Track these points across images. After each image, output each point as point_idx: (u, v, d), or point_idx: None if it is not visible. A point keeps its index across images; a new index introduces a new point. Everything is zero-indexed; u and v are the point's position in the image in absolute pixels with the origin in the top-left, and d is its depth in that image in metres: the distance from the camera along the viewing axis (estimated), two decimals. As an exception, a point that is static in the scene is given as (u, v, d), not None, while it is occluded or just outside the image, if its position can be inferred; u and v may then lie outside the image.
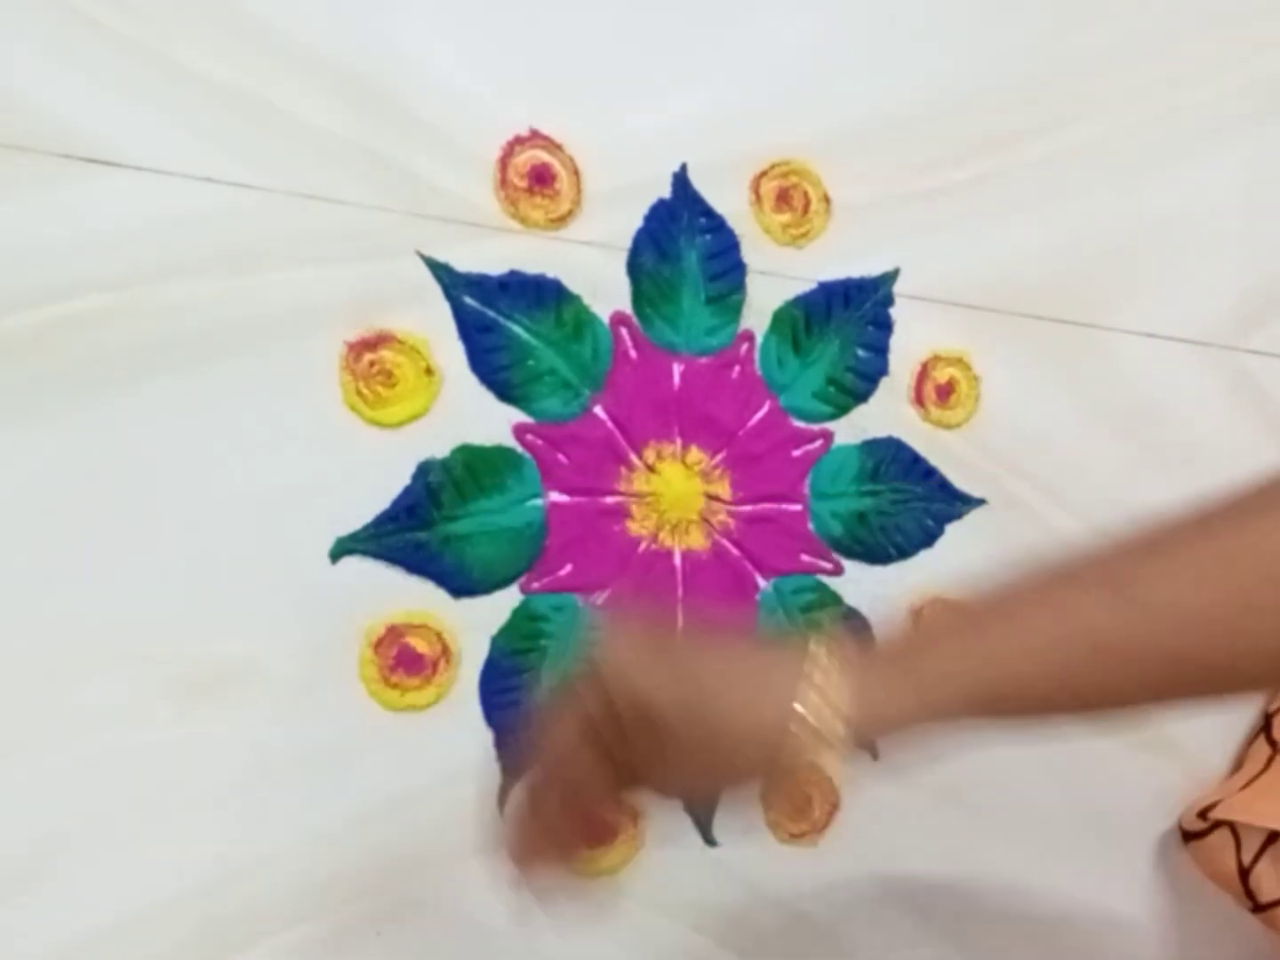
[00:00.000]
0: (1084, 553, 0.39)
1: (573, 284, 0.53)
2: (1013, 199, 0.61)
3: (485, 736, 0.51)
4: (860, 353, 0.58)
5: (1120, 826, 0.63)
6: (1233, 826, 0.61)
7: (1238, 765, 0.64)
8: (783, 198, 0.57)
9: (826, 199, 0.57)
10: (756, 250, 0.56)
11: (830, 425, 0.57)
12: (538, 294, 0.52)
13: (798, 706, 0.37)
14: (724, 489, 0.56)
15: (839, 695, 0.37)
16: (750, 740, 0.38)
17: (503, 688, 0.51)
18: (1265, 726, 0.64)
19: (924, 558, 0.59)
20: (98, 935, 0.45)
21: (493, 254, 0.52)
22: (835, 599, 0.57)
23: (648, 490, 0.54)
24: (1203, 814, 0.61)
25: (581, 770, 0.39)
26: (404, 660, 0.50)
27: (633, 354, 0.54)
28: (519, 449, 0.52)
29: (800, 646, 0.38)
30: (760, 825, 0.56)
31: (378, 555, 0.50)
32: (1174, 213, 0.64)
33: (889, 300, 0.59)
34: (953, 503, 0.60)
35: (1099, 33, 0.63)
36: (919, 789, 0.58)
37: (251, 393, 0.48)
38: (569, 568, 0.53)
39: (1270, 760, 0.62)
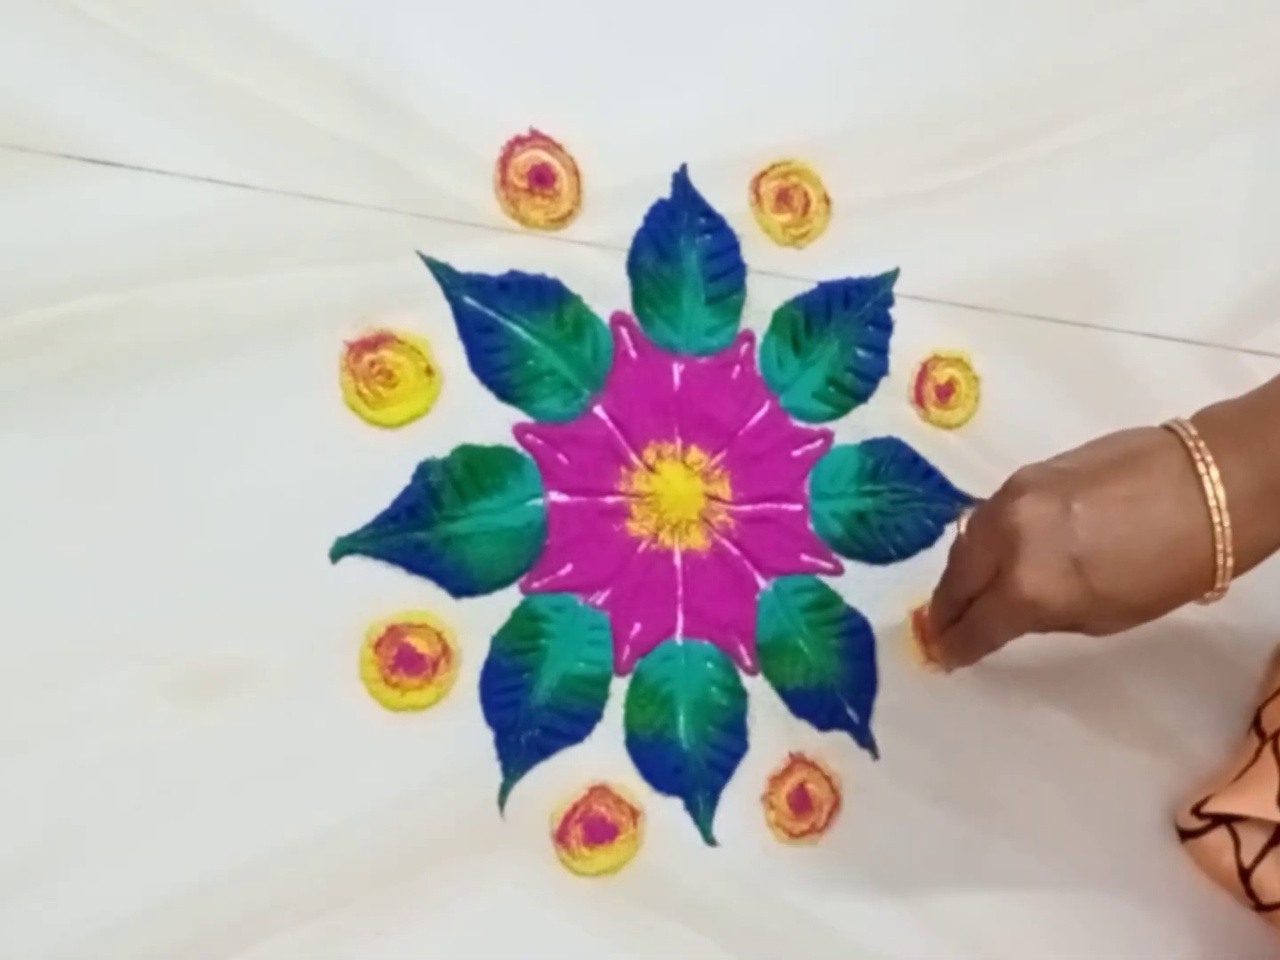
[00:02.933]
0: None
1: (573, 284, 0.53)
2: (1013, 199, 0.61)
3: (485, 736, 0.51)
4: (860, 353, 0.58)
5: (1120, 826, 0.63)
6: (1231, 826, 0.62)
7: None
8: (783, 198, 0.57)
9: (826, 199, 0.58)
10: (756, 250, 0.56)
11: (830, 425, 0.57)
12: (538, 294, 0.52)
13: (1220, 547, 0.42)
14: (724, 489, 0.56)
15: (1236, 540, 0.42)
16: (1175, 600, 0.44)
17: (503, 688, 0.51)
18: (1255, 719, 0.64)
19: (924, 558, 0.59)
20: (98, 935, 0.45)
21: (493, 254, 0.52)
22: (835, 599, 0.57)
23: (648, 490, 0.54)
24: (1196, 810, 0.62)
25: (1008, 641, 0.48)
26: (404, 660, 0.50)
27: (633, 354, 0.54)
28: (519, 449, 0.52)
29: (1187, 473, 0.42)
30: (760, 825, 0.56)
31: (378, 555, 0.50)
32: (1174, 212, 0.64)
33: (889, 300, 0.59)
34: (953, 503, 0.60)
35: (1099, 33, 0.63)
36: (919, 789, 0.58)
37: (251, 393, 0.48)
38: (569, 568, 0.53)
39: (1259, 751, 0.62)
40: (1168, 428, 0.45)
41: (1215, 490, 0.41)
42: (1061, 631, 0.48)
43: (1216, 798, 0.61)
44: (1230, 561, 0.42)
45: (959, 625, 0.50)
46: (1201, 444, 0.42)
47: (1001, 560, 0.44)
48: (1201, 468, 0.41)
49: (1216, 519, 0.41)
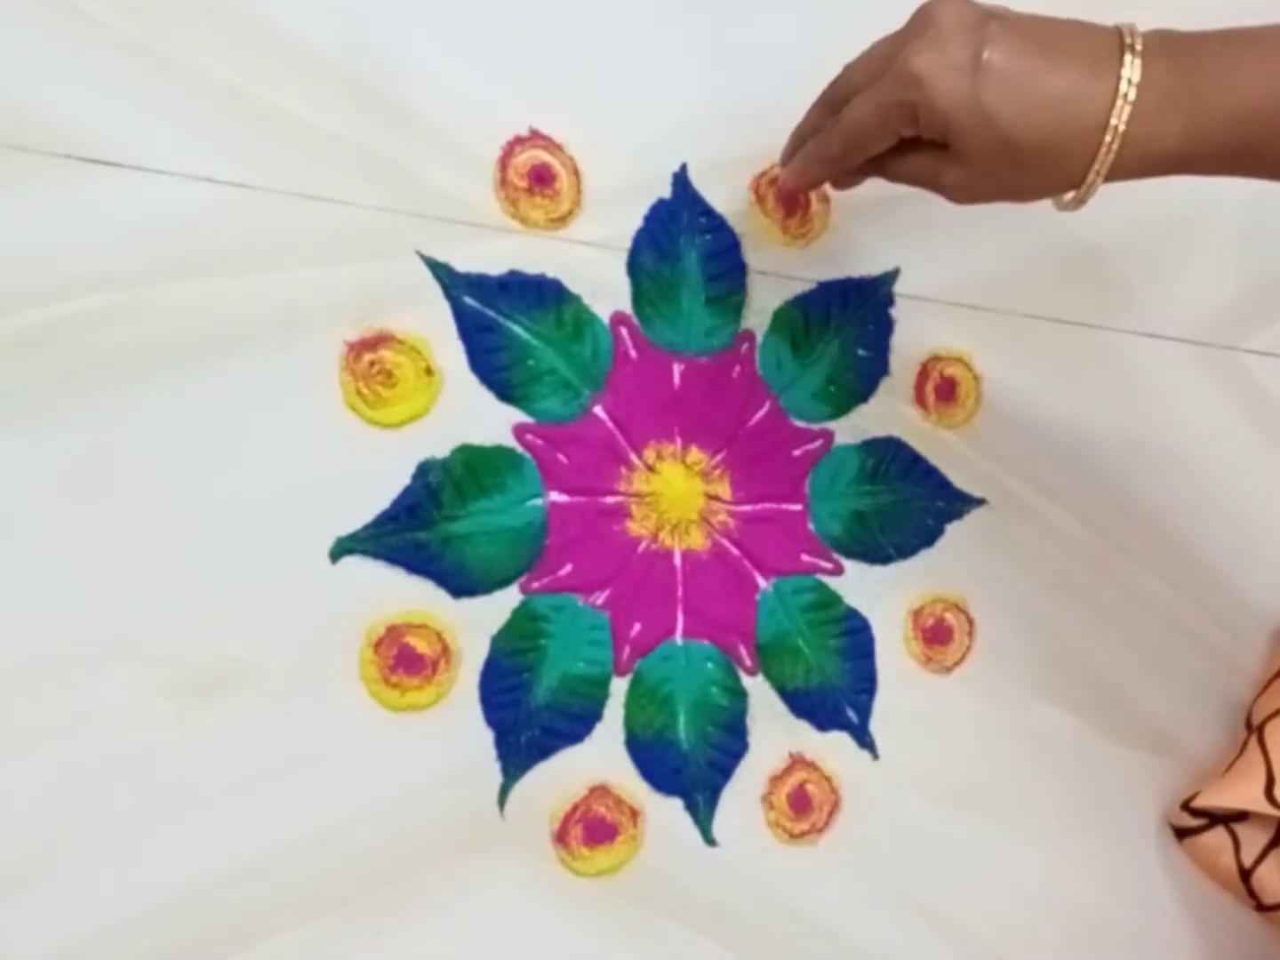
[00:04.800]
0: None
1: (573, 284, 0.53)
2: (1013, 199, 0.61)
3: (485, 736, 0.51)
4: (860, 353, 0.58)
5: (1120, 825, 0.63)
6: (1229, 826, 0.62)
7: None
8: (783, 198, 0.57)
9: (826, 199, 0.58)
10: (756, 250, 0.56)
11: (830, 425, 0.57)
12: (538, 294, 0.52)
13: (1115, 123, 0.40)
14: (724, 489, 0.56)
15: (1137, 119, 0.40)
16: (1052, 185, 0.43)
17: (503, 688, 0.51)
18: (1248, 714, 0.64)
19: (924, 558, 0.59)
20: (98, 935, 0.45)
21: (493, 254, 0.52)
22: (835, 599, 0.57)
23: (648, 490, 0.54)
24: (1186, 806, 0.62)
25: (871, 138, 0.44)
26: (404, 660, 0.50)
27: (633, 354, 0.54)
28: (519, 449, 0.52)
29: (1114, 53, 0.40)
30: (760, 825, 0.56)
31: (378, 555, 0.50)
32: (1174, 213, 0.64)
33: (889, 300, 0.59)
34: (953, 503, 0.60)
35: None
36: (919, 789, 0.58)
37: (251, 393, 0.48)
38: (569, 568, 0.53)
39: (1245, 744, 0.62)
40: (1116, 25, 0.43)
41: (1132, 68, 0.40)
42: (922, 165, 0.45)
43: (1205, 792, 0.61)
44: (1117, 144, 0.40)
45: (822, 131, 0.47)
46: (1137, 36, 0.41)
47: (903, 42, 0.42)
48: (1129, 54, 0.40)
49: (1122, 89, 0.40)
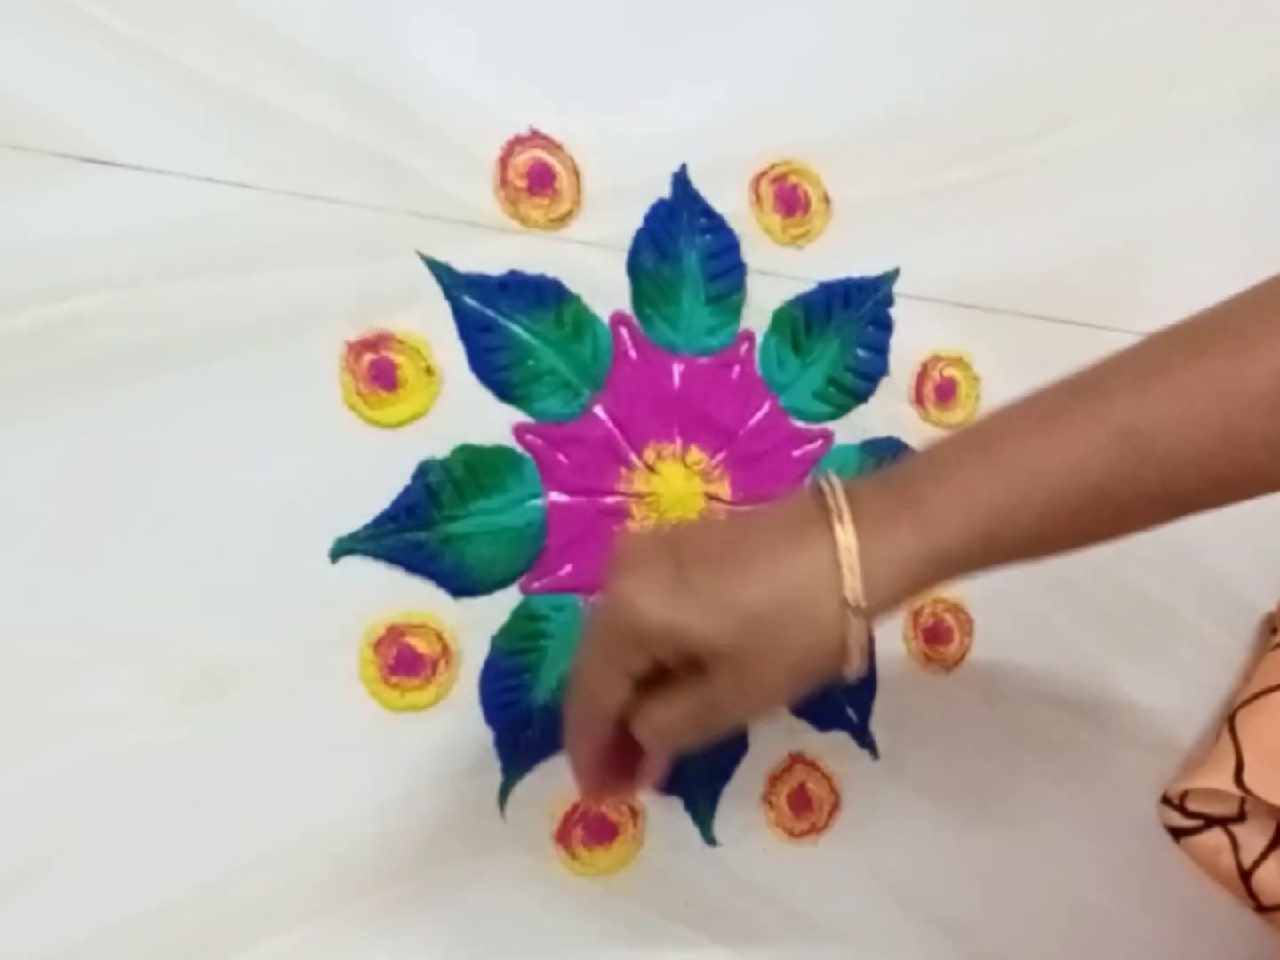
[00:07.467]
0: (1081, 381, 0.39)
1: (572, 284, 0.53)
2: (1013, 199, 0.61)
3: (485, 736, 0.51)
4: (860, 353, 0.58)
5: (1119, 825, 0.63)
6: (1227, 827, 0.62)
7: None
8: (783, 198, 0.57)
9: (826, 199, 0.58)
10: (756, 250, 0.56)
11: (830, 425, 0.57)
12: (538, 294, 0.52)
13: (848, 596, 0.36)
14: (724, 489, 0.56)
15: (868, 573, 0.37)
16: (815, 648, 0.37)
17: (503, 688, 0.51)
18: (1230, 708, 0.65)
19: (924, 558, 0.59)
20: (98, 935, 0.45)
21: (493, 254, 0.52)
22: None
23: (648, 490, 0.54)
24: (1166, 800, 0.62)
25: (616, 702, 0.39)
26: (404, 660, 0.50)
27: (633, 354, 0.54)
28: (519, 449, 0.52)
29: (821, 527, 0.37)
30: (760, 825, 0.56)
31: (378, 555, 0.50)
32: (1174, 213, 0.64)
33: (889, 300, 0.59)
34: (953, 503, 0.60)
35: (1099, 33, 0.63)
36: (919, 789, 0.58)
37: (252, 393, 0.48)
38: (569, 568, 0.53)
39: (1219, 732, 0.62)
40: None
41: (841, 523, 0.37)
42: (681, 703, 0.39)
43: (1180, 780, 0.61)
44: (856, 564, 0.37)
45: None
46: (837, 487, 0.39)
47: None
48: (830, 500, 0.38)
49: (832, 503, 0.37)
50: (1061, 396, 0.39)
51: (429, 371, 0.51)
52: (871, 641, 0.39)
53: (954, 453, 0.39)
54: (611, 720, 0.40)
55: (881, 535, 0.37)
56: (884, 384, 0.58)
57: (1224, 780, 0.59)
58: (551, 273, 0.53)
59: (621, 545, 0.40)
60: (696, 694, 0.38)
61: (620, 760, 0.42)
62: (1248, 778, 0.58)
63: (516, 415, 0.52)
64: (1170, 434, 0.37)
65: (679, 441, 0.55)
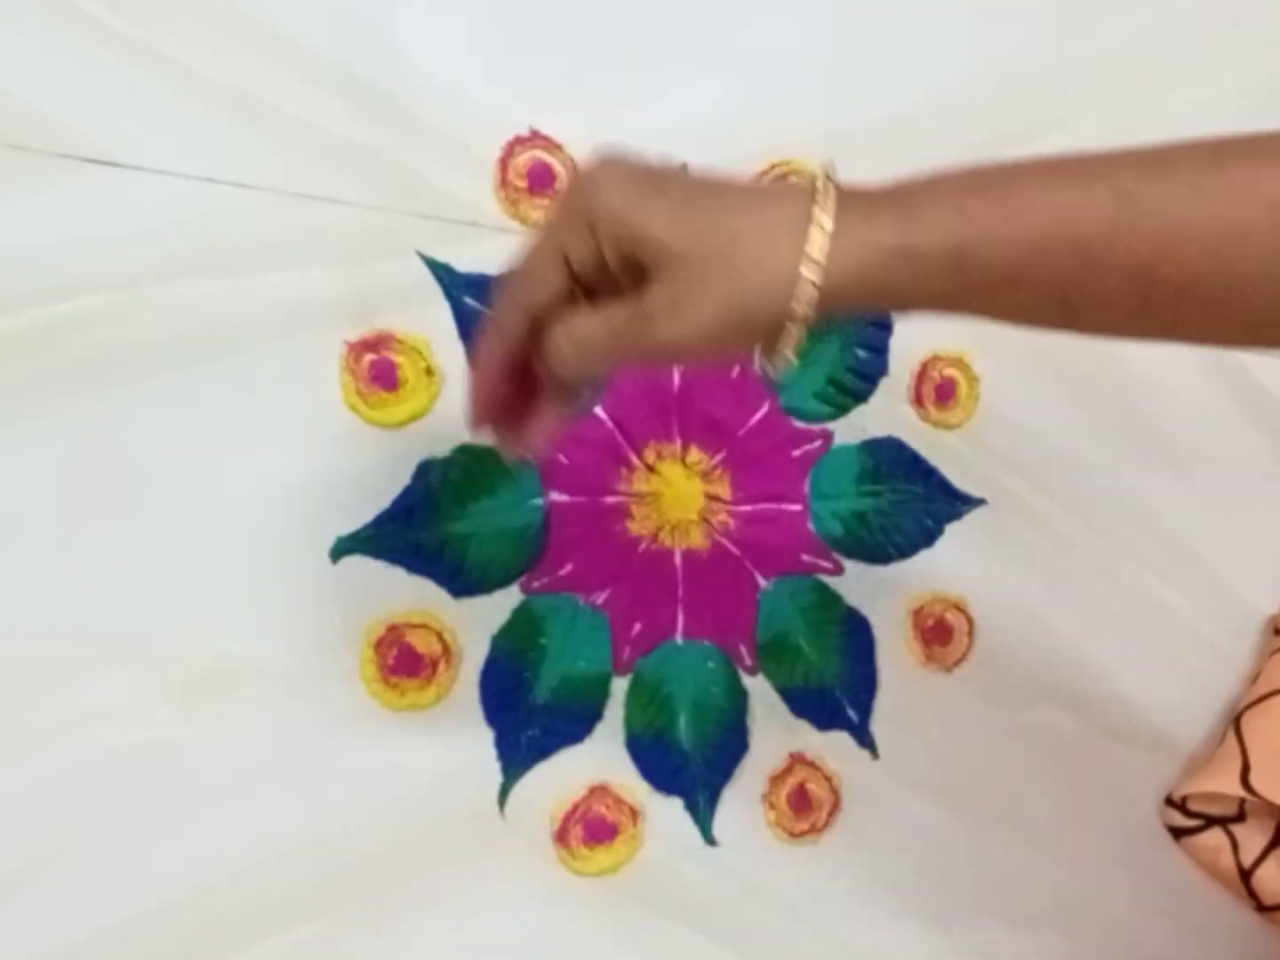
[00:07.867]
0: (1092, 152, 0.38)
1: (573, 284, 0.53)
2: (1012, 199, 0.61)
3: (485, 736, 0.51)
4: (860, 353, 0.58)
5: (1119, 825, 0.63)
6: (1226, 827, 0.62)
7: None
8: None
9: (826, 199, 0.57)
10: (756, 250, 0.56)
11: (830, 425, 0.57)
12: (538, 294, 0.52)
13: (811, 251, 0.35)
14: (724, 489, 0.56)
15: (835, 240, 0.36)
16: (760, 284, 0.35)
17: (503, 688, 0.51)
18: (1235, 711, 0.65)
19: (924, 558, 0.59)
20: (98, 935, 0.45)
21: (493, 254, 0.51)
22: (835, 598, 0.57)
23: (648, 490, 0.54)
24: (1170, 801, 0.62)
25: (544, 292, 0.37)
26: (404, 660, 0.50)
27: (633, 354, 0.54)
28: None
29: (805, 199, 0.37)
30: (760, 825, 0.56)
31: (378, 555, 0.50)
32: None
33: (889, 300, 0.59)
34: (953, 503, 0.60)
35: (1099, 33, 0.63)
36: (919, 789, 0.58)
37: (252, 393, 0.48)
38: (569, 568, 0.53)
39: (1225, 733, 0.62)
40: None
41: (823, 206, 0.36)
42: (615, 314, 0.37)
43: (1185, 782, 0.61)
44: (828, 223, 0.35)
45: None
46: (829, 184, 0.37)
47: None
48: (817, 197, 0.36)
49: (820, 185, 0.36)
50: (1070, 157, 0.38)
51: (429, 372, 0.51)
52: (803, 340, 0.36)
53: (954, 175, 0.39)
54: (533, 314, 0.38)
55: (860, 214, 0.37)
56: (884, 384, 0.58)
57: (1230, 783, 0.59)
58: (551, 273, 0.52)
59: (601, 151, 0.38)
60: (628, 306, 0.36)
61: (519, 397, 0.41)
62: (1254, 780, 0.58)
63: (516, 415, 0.52)
64: (1170, 212, 0.36)
65: (679, 441, 0.55)
